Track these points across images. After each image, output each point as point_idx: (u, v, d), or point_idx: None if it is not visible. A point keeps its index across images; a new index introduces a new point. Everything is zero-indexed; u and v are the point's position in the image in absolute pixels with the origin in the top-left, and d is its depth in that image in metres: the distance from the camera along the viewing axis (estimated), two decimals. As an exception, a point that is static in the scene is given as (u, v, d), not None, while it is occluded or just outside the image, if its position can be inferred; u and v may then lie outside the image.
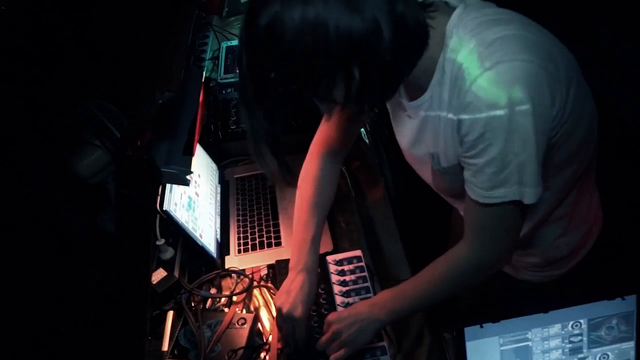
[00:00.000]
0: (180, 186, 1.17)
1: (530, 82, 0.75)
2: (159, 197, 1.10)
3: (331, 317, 1.01)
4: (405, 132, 0.99)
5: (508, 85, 0.75)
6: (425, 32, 0.80)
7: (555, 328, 0.85)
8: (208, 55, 2.08)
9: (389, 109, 1.04)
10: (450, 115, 0.83)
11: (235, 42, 2.06)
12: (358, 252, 1.24)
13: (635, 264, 1.22)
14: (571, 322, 0.85)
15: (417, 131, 0.94)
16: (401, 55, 0.77)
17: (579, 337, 0.86)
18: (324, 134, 1.15)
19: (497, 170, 0.80)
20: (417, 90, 0.89)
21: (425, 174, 1.01)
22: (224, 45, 2.06)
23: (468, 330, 0.83)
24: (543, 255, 1.07)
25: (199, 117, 1.00)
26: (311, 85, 0.78)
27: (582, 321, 0.85)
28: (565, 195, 0.98)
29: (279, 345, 1.06)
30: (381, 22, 0.71)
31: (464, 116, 0.79)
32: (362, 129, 1.66)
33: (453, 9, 0.83)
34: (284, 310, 1.01)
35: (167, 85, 0.77)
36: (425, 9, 0.81)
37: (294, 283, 1.03)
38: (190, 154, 0.92)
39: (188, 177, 0.91)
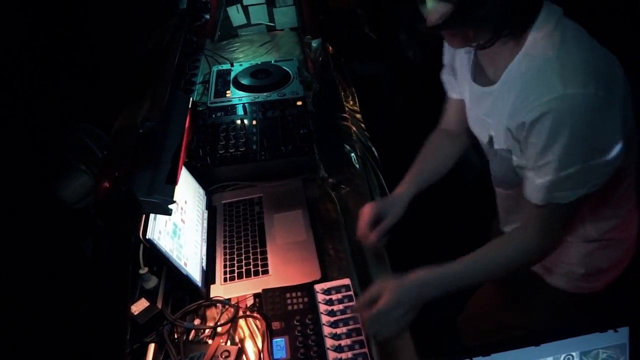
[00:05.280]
0: (165, 213, 1.15)
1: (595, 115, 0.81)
2: (142, 225, 1.07)
3: (382, 288, 1.00)
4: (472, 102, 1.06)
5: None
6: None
7: (547, 361, 0.84)
8: (199, 79, 2.08)
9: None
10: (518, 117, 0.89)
11: (226, 67, 2.07)
12: (347, 281, 1.22)
13: (626, 295, 1.21)
14: (563, 355, 0.84)
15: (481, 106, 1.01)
16: None
17: (572, 371, 0.84)
18: (443, 121, 1.28)
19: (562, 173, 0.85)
20: (491, 68, 0.96)
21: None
22: (214, 69, 2.06)
23: (458, 365, 0.81)
24: (583, 264, 1.11)
25: (184, 144, 0.98)
26: None
27: (574, 354, 0.84)
28: (619, 206, 1.05)
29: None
30: None
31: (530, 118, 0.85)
32: (352, 154, 1.66)
33: None
34: (374, 211, 1.19)
35: (149, 114, 0.75)
36: None
37: (389, 196, 1.24)
38: (174, 182, 0.90)
39: (170, 206, 0.88)
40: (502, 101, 0.93)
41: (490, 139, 1.01)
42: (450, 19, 0.83)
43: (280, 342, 1.10)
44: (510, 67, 0.90)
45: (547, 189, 0.88)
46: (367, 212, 1.20)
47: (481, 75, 1.01)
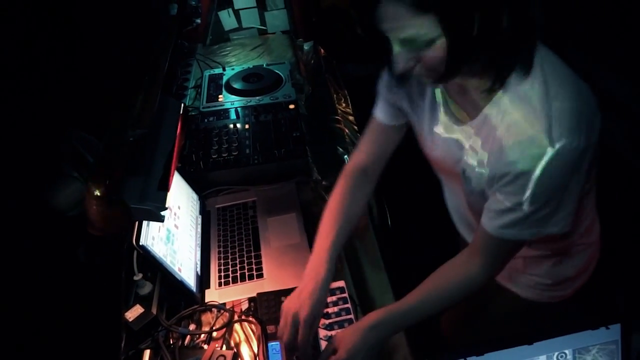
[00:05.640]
0: (158, 219, 1.15)
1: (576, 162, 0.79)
2: (135, 232, 1.07)
3: (339, 338, 0.98)
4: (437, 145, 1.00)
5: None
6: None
7: (541, 359, 0.84)
8: (191, 83, 2.08)
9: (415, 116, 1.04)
10: (488, 167, 0.86)
11: (217, 71, 2.07)
12: (341, 283, 1.22)
13: (618, 292, 1.22)
14: (556, 353, 0.84)
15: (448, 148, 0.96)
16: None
17: (565, 369, 0.84)
18: (356, 155, 1.17)
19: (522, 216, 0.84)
20: (468, 108, 0.90)
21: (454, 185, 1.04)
22: (206, 73, 2.07)
23: (452, 365, 0.82)
24: (549, 275, 1.11)
25: (175, 150, 0.98)
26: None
27: (567, 352, 0.85)
28: (581, 221, 1.04)
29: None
30: None
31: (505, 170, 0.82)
32: (345, 156, 1.66)
33: None
34: (290, 311, 0.98)
35: (138, 122, 0.75)
36: None
37: (306, 287, 1.00)
38: (166, 189, 0.90)
39: (163, 213, 0.88)
40: (481, 142, 0.88)
41: (463, 172, 0.96)
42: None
43: (275, 345, 1.10)
44: (489, 107, 0.85)
45: (507, 226, 0.87)
46: (290, 314, 1.00)
47: (451, 107, 0.95)
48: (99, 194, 0.70)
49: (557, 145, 0.76)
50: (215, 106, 1.84)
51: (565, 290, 1.15)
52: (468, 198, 1.01)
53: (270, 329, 1.14)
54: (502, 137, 0.83)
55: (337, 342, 0.97)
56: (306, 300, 0.98)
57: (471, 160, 0.91)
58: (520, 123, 0.80)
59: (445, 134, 0.95)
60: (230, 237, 1.40)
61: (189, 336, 1.16)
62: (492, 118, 0.85)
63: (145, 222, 1.12)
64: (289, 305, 1.00)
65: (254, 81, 1.95)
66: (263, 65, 2.07)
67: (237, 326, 1.18)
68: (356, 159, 1.15)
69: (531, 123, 0.78)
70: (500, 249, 0.93)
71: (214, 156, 1.59)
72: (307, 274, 1.02)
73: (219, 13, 2.35)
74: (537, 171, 0.79)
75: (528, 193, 0.81)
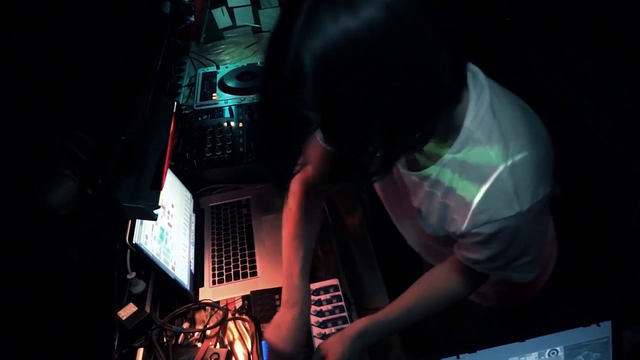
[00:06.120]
0: (152, 217, 1.15)
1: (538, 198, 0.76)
2: (128, 230, 1.07)
3: (326, 347, 0.97)
4: (392, 191, 0.98)
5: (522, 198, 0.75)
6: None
7: (533, 356, 0.85)
8: (185, 81, 2.07)
9: None
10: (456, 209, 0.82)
11: (211, 69, 2.07)
12: (335, 281, 1.23)
13: (608, 290, 1.23)
14: (548, 350, 0.85)
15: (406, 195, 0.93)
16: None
17: (556, 365, 0.85)
18: (302, 171, 1.09)
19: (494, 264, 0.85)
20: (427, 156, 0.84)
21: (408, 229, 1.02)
22: (200, 71, 2.06)
23: (445, 362, 0.82)
24: (509, 283, 1.05)
25: (168, 149, 0.98)
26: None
27: (558, 348, 0.85)
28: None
29: None
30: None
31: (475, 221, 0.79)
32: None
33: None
34: (274, 345, 0.98)
35: (130, 121, 0.75)
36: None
37: (284, 316, 0.99)
38: (158, 187, 0.90)
39: (155, 211, 0.88)
40: (441, 193, 0.84)
41: (420, 211, 0.92)
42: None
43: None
44: (444, 159, 0.80)
45: (477, 262, 0.87)
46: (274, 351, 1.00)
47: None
48: (91, 192, 0.70)
49: (526, 206, 0.74)
50: (209, 104, 1.83)
51: (525, 298, 1.14)
52: (425, 232, 0.96)
53: (264, 326, 1.14)
54: (464, 195, 0.79)
55: (325, 351, 0.97)
56: (287, 332, 0.98)
57: (428, 204, 0.87)
58: (488, 188, 0.76)
59: (404, 169, 0.90)
60: (224, 236, 1.40)
61: (182, 334, 1.16)
62: (449, 168, 0.80)
63: (138, 221, 1.11)
64: (270, 338, 0.99)
65: (248, 79, 1.95)
66: (257, 63, 2.06)
67: (231, 324, 1.18)
68: (303, 175, 1.07)
69: (499, 189, 0.75)
70: (477, 272, 0.91)
71: (207, 154, 1.58)
72: (283, 302, 1.01)
73: (212, 11, 2.34)
74: (511, 228, 0.77)
75: (499, 250, 0.81)
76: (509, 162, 0.74)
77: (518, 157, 0.74)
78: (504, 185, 0.74)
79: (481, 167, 0.75)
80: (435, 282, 0.99)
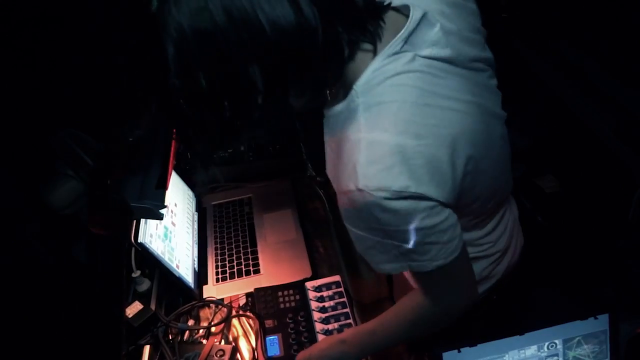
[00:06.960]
0: (156, 217, 1.16)
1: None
2: (133, 230, 1.09)
3: (301, 356, 1.00)
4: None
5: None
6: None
7: (532, 349, 0.87)
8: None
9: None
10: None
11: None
12: (337, 278, 1.24)
13: (606, 283, 1.25)
14: (547, 343, 0.87)
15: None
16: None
17: (555, 358, 0.87)
18: None
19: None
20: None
21: None
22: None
23: (446, 355, 0.84)
24: None
25: (172, 149, 1.00)
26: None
27: (557, 341, 0.87)
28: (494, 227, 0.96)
29: None
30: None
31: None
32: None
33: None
34: None
35: (138, 123, 0.77)
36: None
37: (319, 344, 1.01)
38: (164, 187, 0.91)
39: (162, 211, 0.90)
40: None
41: None
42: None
43: (273, 339, 1.13)
44: (330, 112, 0.80)
45: (381, 262, 0.82)
46: None
47: None
48: (99, 192, 0.71)
49: (370, 187, 0.69)
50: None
51: (488, 292, 1.05)
52: None
53: (268, 323, 1.16)
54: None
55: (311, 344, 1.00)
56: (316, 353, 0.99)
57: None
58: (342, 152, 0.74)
59: None
60: (226, 234, 1.42)
61: (188, 331, 1.17)
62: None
63: (143, 220, 1.13)
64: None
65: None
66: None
67: (235, 321, 1.20)
68: None
69: (351, 158, 0.71)
70: (428, 283, 0.85)
71: (209, 153, 1.59)
72: (339, 337, 1.00)
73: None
74: (354, 211, 0.73)
75: (358, 233, 0.78)
76: (371, 136, 0.70)
77: (385, 137, 0.69)
78: (357, 157, 0.70)
79: (347, 131, 0.74)
80: (405, 310, 0.93)
